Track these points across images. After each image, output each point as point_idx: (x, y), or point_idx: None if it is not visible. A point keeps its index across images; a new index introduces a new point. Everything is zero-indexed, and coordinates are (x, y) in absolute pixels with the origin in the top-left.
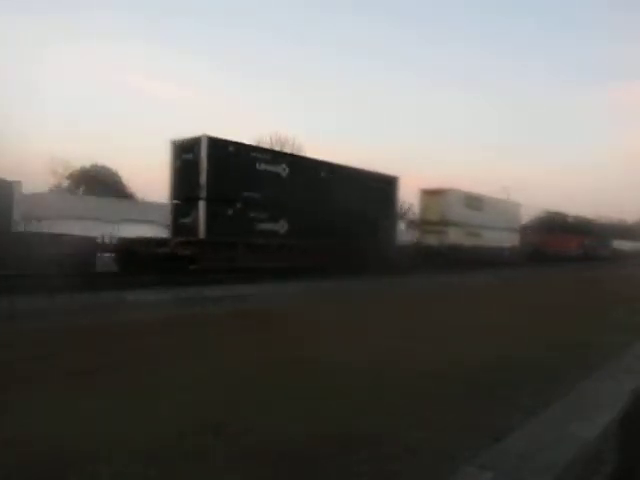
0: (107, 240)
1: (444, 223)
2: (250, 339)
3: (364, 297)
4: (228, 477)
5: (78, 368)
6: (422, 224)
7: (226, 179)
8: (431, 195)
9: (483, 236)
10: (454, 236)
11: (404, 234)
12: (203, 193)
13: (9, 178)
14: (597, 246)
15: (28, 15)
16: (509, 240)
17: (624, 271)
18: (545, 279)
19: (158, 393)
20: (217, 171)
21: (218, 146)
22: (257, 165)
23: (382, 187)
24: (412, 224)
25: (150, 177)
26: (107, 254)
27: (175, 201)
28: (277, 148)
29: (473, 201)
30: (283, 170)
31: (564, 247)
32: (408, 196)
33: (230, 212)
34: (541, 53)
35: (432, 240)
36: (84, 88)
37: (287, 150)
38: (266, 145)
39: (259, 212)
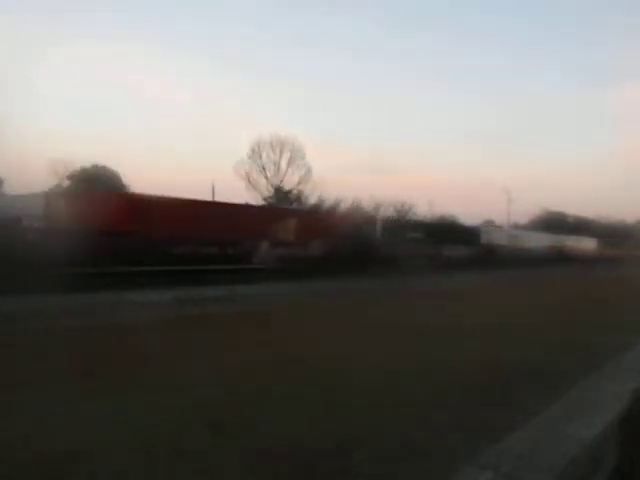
0: None
1: None
2: None
3: None
4: None
5: None
6: None
7: None
8: None
9: None
10: None
11: None
12: None
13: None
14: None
15: (27, 14)
16: None
17: None
18: None
19: None
20: None
21: None
22: None
23: None
24: None
25: (151, 178)
26: None
27: None
28: (277, 149)
29: None
30: None
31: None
32: None
33: None
34: (541, 53)
35: None
36: (84, 87)
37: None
38: (266, 146)
39: None
